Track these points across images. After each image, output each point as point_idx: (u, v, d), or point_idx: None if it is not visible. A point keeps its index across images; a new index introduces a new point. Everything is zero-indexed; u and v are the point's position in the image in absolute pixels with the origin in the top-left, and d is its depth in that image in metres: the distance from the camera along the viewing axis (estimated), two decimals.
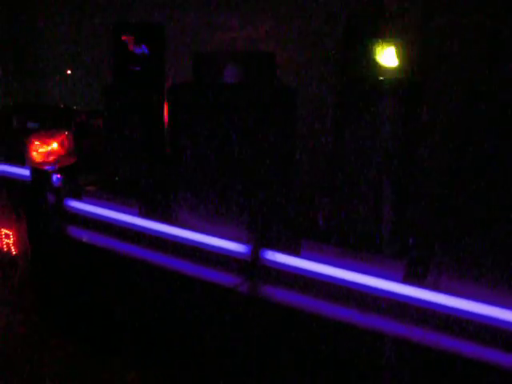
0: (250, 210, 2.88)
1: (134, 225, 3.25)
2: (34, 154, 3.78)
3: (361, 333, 2.32)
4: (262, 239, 2.80)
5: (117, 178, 3.48)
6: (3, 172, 3.84)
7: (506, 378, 2.02)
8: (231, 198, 2.97)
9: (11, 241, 3.84)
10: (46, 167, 3.74)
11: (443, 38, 2.65)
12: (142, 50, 3.29)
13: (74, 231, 3.58)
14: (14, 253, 3.86)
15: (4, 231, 3.87)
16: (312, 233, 2.81)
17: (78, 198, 3.59)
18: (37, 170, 3.52)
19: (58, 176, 3.55)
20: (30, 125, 4.20)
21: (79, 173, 3.93)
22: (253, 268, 2.76)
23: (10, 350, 3.48)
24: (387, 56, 2.47)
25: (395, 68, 2.49)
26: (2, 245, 3.91)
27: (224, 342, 2.79)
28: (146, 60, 3.34)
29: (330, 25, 2.88)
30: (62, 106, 4.72)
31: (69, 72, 4.96)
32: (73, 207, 3.56)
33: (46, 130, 3.94)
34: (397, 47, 2.44)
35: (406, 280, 2.41)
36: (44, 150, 3.86)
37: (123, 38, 3.30)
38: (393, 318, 2.36)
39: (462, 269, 2.33)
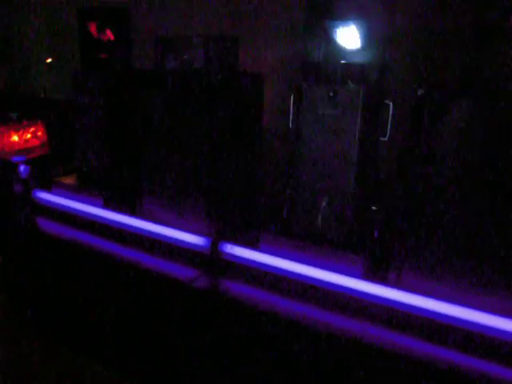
0: (210, 202, 2.77)
1: (97, 216, 3.17)
2: (5, 144, 3.71)
3: (315, 330, 2.20)
4: (221, 232, 2.69)
5: (85, 169, 3.39)
6: None
7: (462, 378, 1.89)
8: (193, 189, 2.85)
9: None
10: (17, 158, 3.66)
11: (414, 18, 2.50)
12: (107, 35, 3.19)
13: (42, 223, 3.51)
14: None
15: None
16: (274, 226, 2.69)
17: (47, 189, 3.52)
18: (3, 160, 3.45)
19: (26, 166, 3.48)
20: (10, 115, 4.15)
21: (55, 163, 3.85)
22: (211, 261, 2.65)
23: None
24: (349, 37, 2.34)
25: (358, 51, 2.35)
26: None
27: (183, 337, 2.70)
28: (112, 46, 3.25)
29: (291, 6, 2.74)
30: (42, 95, 4.65)
31: (49, 60, 4.88)
32: (41, 198, 3.49)
33: (19, 120, 3.87)
34: (360, 27, 2.30)
35: (365, 276, 2.28)
36: (15, 139, 3.79)
37: (88, 24, 3.21)
38: (350, 315, 2.23)
39: (423, 266, 2.19)
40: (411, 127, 2.03)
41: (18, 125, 3.81)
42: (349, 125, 2.36)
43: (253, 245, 2.57)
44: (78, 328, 3.30)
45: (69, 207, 3.32)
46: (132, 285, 2.88)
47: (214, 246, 2.65)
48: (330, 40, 2.36)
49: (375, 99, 2.35)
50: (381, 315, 2.17)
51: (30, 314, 3.61)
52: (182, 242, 2.77)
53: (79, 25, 3.27)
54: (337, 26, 2.32)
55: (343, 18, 2.30)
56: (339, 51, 2.37)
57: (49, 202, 3.45)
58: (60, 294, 3.37)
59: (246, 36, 2.76)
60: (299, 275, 2.40)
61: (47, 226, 3.49)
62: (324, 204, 2.47)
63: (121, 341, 3.04)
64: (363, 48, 2.34)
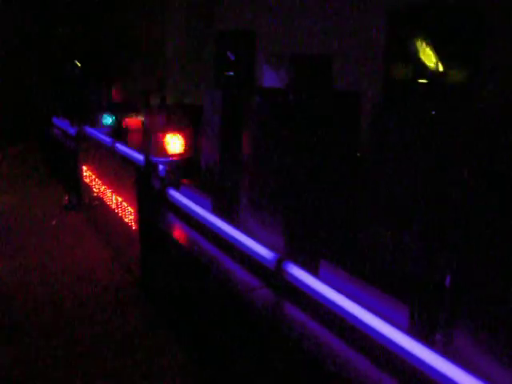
0: (287, 218, 2.77)
1: (204, 218, 3.47)
2: (158, 146, 4.38)
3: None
4: (288, 251, 2.66)
5: (205, 175, 3.75)
6: (138, 160, 4.59)
7: None
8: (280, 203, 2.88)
9: (133, 217, 4.53)
10: (165, 159, 4.28)
11: None
12: (235, 56, 3.49)
13: (170, 217, 4.02)
14: (133, 228, 4.54)
15: (129, 209, 4.60)
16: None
17: (177, 188, 4.02)
18: (148, 158, 4.09)
19: (163, 166, 4.06)
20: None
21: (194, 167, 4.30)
22: (273, 277, 2.65)
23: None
24: (434, 55, 2.07)
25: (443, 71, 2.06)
26: (128, 221, 4.65)
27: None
28: (238, 65, 3.54)
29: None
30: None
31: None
32: (171, 196, 4.01)
33: (173, 126, 4.52)
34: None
35: (410, 331, 1.95)
36: (167, 143, 4.44)
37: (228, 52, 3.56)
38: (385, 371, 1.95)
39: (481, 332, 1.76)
40: None
41: (171, 130, 4.44)
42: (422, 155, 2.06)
43: (312, 270, 2.47)
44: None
45: (187, 206, 3.73)
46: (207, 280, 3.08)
47: (279, 263, 2.64)
48: (412, 56, 2.12)
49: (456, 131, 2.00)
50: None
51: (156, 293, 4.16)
52: (255, 252, 2.84)
53: (217, 46, 3.66)
54: (419, 44, 2.08)
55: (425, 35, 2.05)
56: (422, 69, 2.11)
57: (176, 199, 3.94)
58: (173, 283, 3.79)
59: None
60: (343, 310, 2.20)
61: (172, 219, 3.99)
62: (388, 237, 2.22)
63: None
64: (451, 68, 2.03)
